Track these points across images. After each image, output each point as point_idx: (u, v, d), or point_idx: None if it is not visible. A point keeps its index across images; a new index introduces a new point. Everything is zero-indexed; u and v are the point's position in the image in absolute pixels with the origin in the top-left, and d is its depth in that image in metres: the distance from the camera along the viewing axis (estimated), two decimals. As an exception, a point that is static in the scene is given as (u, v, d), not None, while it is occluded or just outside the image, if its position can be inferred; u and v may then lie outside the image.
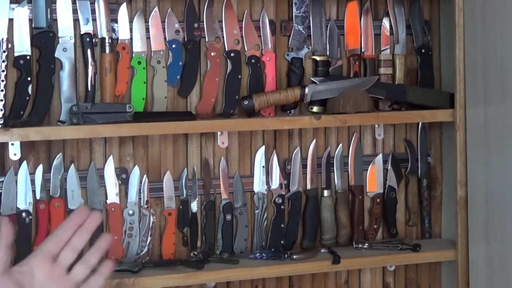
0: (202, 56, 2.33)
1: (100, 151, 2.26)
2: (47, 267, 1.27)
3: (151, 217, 2.27)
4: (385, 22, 2.49)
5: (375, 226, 2.49)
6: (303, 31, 2.41)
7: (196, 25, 2.31)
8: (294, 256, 2.30)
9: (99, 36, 2.22)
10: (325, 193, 2.44)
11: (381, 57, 2.47)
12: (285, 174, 2.41)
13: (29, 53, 2.14)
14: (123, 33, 2.24)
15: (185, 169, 2.32)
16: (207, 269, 2.22)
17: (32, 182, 2.17)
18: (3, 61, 2.05)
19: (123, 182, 2.27)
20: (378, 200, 2.49)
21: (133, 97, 2.25)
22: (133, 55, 2.25)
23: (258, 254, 2.31)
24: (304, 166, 2.42)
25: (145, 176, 2.28)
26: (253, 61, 2.35)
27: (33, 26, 2.16)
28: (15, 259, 2.19)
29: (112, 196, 2.25)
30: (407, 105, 2.43)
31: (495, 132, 2.21)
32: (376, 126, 2.50)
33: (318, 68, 2.42)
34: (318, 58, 2.42)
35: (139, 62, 2.26)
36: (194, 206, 2.32)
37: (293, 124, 2.33)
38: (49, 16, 2.16)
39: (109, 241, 1.35)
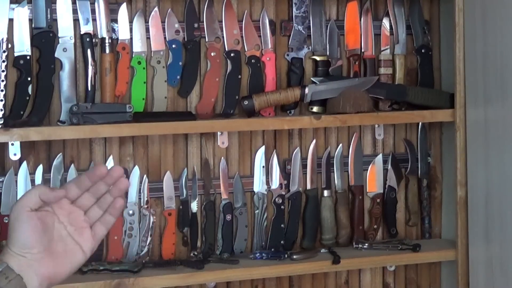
0: (202, 56, 2.33)
1: (100, 151, 2.26)
2: (64, 209, 1.40)
3: (151, 217, 2.27)
4: (385, 22, 2.49)
5: (375, 226, 2.49)
6: (303, 31, 2.41)
7: (196, 25, 2.31)
8: (294, 256, 2.30)
9: (99, 36, 2.22)
10: (325, 193, 2.44)
11: (381, 57, 2.47)
12: (285, 174, 2.41)
13: (29, 53, 2.14)
14: (123, 33, 2.25)
15: (185, 169, 2.32)
16: (207, 269, 2.22)
17: (32, 182, 2.17)
18: (3, 61, 2.05)
19: (123, 182, 2.27)
20: (378, 200, 2.49)
21: (133, 97, 2.25)
22: (133, 55, 2.25)
23: (258, 254, 2.31)
24: (304, 166, 2.42)
25: (145, 176, 2.28)
26: (253, 61, 2.35)
27: (33, 26, 2.16)
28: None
29: (112, 196, 2.25)
30: (407, 105, 2.43)
31: (495, 132, 2.21)
32: (376, 126, 2.50)
33: (318, 68, 2.42)
34: (318, 58, 2.42)
35: (139, 62, 2.26)
36: (194, 206, 2.32)
37: (293, 124, 2.33)
38: (49, 16, 2.16)
39: (124, 187, 1.44)
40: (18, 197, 2.13)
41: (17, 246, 1.35)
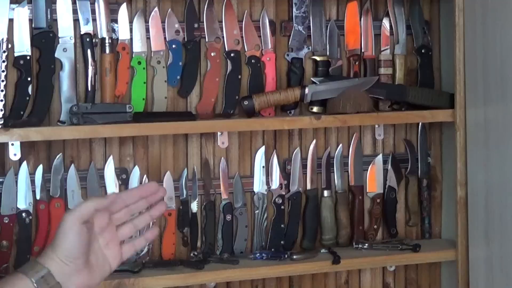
0: (202, 56, 2.33)
1: (100, 151, 2.26)
2: (103, 221, 1.43)
3: (151, 217, 2.27)
4: (385, 22, 2.49)
5: (375, 226, 2.49)
6: (303, 31, 2.41)
7: (196, 25, 2.32)
8: (294, 256, 2.30)
9: (99, 36, 2.22)
10: (325, 193, 2.44)
11: (381, 57, 2.47)
12: (285, 174, 2.41)
13: (29, 53, 2.14)
14: (123, 33, 2.24)
15: (185, 169, 2.32)
16: (207, 269, 2.22)
17: (32, 182, 2.17)
18: (3, 61, 2.05)
19: (123, 182, 2.27)
20: (378, 200, 2.49)
21: (133, 97, 2.25)
22: (133, 55, 2.25)
23: (258, 254, 2.31)
24: (304, 166, 2.42)
25: (145, 176, 2.28)
26: (253, 61, 2.35)
27: (33, 26, 2.16)
28: (15, 260, 2.18)
29: (112, 196, 2.24)
30: (407, 105, 2.43)
31: (495, 132, 2.21)
32: (376, 126, 2.50)
33: (318, 68, 2.42)
34: (318, 58, 2.42)
35: (139, 62, 2.26)
36: (194, 206, 2.32)
37: (293, 124, 2.33)
38: (49, 16, 2.16)
39: (162, 211, 1.52)
40: (18, 198, 2.15)
41: (64, 254, 1.38)
